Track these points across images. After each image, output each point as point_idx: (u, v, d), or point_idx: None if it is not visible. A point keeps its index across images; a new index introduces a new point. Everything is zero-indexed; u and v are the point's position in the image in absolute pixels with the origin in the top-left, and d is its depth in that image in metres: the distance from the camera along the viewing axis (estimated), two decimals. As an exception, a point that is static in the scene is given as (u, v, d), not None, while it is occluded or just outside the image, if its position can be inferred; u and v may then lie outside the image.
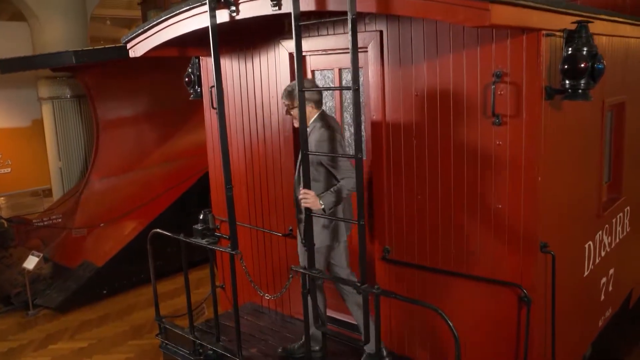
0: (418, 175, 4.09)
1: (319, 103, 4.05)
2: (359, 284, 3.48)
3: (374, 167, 4.33)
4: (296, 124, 3.96)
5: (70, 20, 11.95)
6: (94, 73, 9.58)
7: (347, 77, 4.58)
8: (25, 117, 13.58)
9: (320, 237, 3.97)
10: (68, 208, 9.98)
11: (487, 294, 3.86)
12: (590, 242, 4.56)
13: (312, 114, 4.04)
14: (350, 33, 3.13)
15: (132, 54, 4.99)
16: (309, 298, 3.80)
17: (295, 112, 3.91)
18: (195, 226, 4.49)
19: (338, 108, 4.66)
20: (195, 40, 5.20)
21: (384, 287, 4.26)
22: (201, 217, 4.50)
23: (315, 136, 3.94)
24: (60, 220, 9.56)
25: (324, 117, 4.04)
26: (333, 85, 4.68)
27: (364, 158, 4.55)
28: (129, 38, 4.93)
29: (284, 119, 4.85)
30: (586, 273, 4.54)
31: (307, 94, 3.86)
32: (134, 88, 10.10)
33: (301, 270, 3.76)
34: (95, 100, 9.88)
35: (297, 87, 3.55)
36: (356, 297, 4.02)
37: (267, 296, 4.22)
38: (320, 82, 4.77)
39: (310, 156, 3.74)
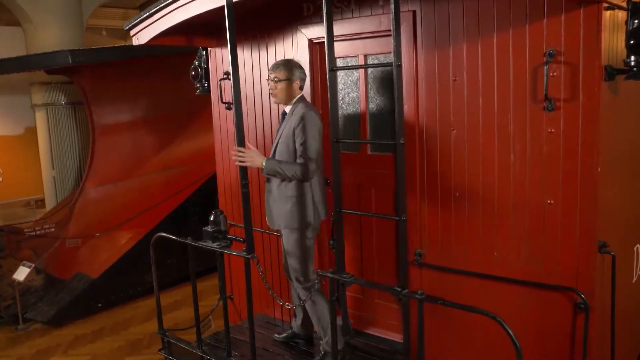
0: (456, 170, 3.69)
1: (304, 83, 3.97)
2: (399, 289, 3.06)
3: (408, 160, 3.91)
4: (275, 101, 3.98)
5: (65, 25, 11.56)
6: (91, 76, 9.18)
7: (376, 60, 4.19)
8: (17, 124, 13.11)
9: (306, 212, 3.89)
10: (62, 217, 9.51)
11: (536, 299, 3.46)
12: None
13: (296, 93, 3.91)
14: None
15: (135, 41, 4.60)
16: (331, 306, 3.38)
17: (281, 86, 3.84)
18: (206, 228, 4.05)
19: (363, 98, 4.26)
20: (203, 29, 4.84)
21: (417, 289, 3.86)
22: (212, 218, 4.05)
23: (301, 111, 3.81)
24: (53, 229, 9.09)
25: (305, 100, 3.98)
26: (356, 75, 4.29)
27: (392, 153, 4.15)
28: (133, 24, 4.54)
29: (302, 111, 4.45)
30: (634, 278, 4.14)
31: (298, 73, 3.87)
32: (131, 92, 9.69)
33: (329, 275, 3.34)
34: (91, 104, 9.45)
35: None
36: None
37: (288, 305, 3.79)
38: (341, 72, 4.37)
39: (282, 139, 3.79)
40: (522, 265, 3.48)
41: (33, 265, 7.94)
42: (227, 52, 4.85)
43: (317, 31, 4.26)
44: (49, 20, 11.36)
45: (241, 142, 3.66)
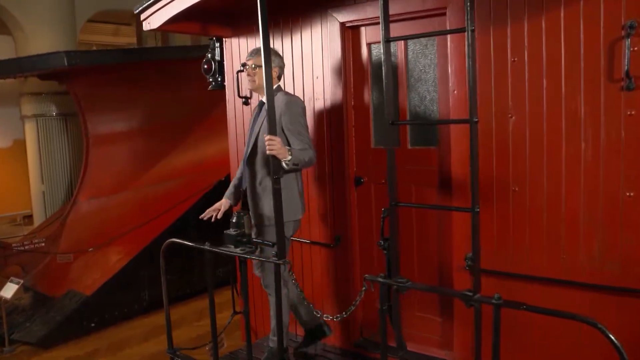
0: (515, 161, 3.28)
1: (282, 72, 3.76)
2: (470, 294, 2.61)
3: (455, 154, 3.51)
4: (252, 87, 3.74)
5: (58, 35, 11.11)
6: (85, 83, 8.74)
7: (415, 49, 3.79)
8: (5, 136, 12.57)
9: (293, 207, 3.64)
10: (52, 231, 8.96)
11: (613, 306, 3.03)
12: None
13: (274, 82, 3.64)
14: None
15: (146, 26, 4.18)
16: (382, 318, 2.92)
17: (261, 73, 3.46)
18: (227, 231, 3.57)
19: (403, 86, 3.85)
20: (218, 18, 4.44)
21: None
22: (234, 220, 3.57)
23: (283, 99, 3.57)
24: (43, 244, 8.53)
25: (282, 89, 3.77)
26: (392, 64, 3.89)
27: (436, 147, 3.75)
28: (144, 6, 4.13)
29: (333, 104, 4.03)
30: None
31: (277, 60, 3.64)
32: (127, 100, 9.24)
33: (380, 280, 2.88)
34: (85, 112, 8.99)
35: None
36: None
37: (327, 317, 3.31)
38: (377, 57, 3.98)
39: (265, 129, 3.41)
40: (596, 268, 3.06)
41: (21, 282, 7.37)
42: (244, 42, 4.50)
43: (351, 14, 3.87)
44: (41, 29, 10.93)
45: (273, 130, 3.23)
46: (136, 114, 9.35)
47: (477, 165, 2.64)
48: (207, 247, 3.72)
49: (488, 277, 3.43)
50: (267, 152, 3.23)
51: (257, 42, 4.45)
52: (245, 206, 3.89)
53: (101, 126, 9.13)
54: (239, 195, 3.95)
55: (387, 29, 2.78)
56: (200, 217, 4.01)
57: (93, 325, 7.56)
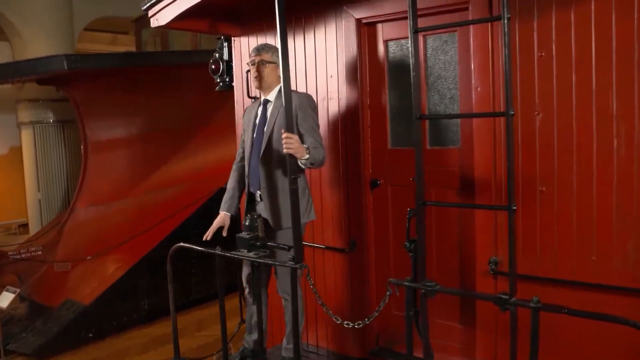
0: (542, 160, 3.15)
1: None
2: (506, 297, 2.46)
3: (479, 154, 3.37)
4: (258, 86, 3.54)
5: (56, 42, 10.97)
6: (84, 88, 8.59)
7: (435, 45, 3.67)
8: (1, 144, 12.38)
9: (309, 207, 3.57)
10: (49, 240, 8.76)
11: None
12: None
13: (278, 80, 3.48)
14: None
15: (154, 23, 4.04)
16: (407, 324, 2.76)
17: (268, 70, 3.48)
18: (240, 234, 3.40)
19: (422, 83, 3.71)
20: (227, 15, 4.31)
21: (490, 305, 3.26)
22: (247, 223, 3.40)
23: (295, 97, 3.36)
24: (40, 253, 8.30)
25: None
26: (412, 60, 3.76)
27: (457, 147, 3.61)
28: (152, 3, 3.99)
29: (348, 103, 3.90)
30: None
31: (274, 56, 3.48)
32: (127, 106, 9.09)
33: (406, 284, 2.73)
34: (84, 118, 8.84)
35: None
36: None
37: (347, 324, 3.14)
38: (395, 54, 3.85)
39: (281, 125, 3.31)
40: (630, 271, 2.92)
41: (17, 291, 7.15)
42: (254, 41, 4.37)
43: (367, 10, 3.74)
44: (39, 36, 10.80)
45: (291, 127, 3.09)
46: (136, 120, 9.20)
47: (514, 160, 2.51)
48: (218, 251, 3.56)
49: (519, 282, 3.29)
50: (285, 150, 3.09)
51: (268, 41, 4.32)
52: (250, 209, 3.68)
53: (100, 132, 8.98)
54: (238, 203, 3.76)
55: (414, 19, 2.65)
56: (204, 239, 3.73)
57: (91, 335, 7.35)
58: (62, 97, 10.68)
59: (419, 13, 3.50)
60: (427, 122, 3.71)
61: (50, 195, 11.06)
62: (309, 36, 4.08)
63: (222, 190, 9.08)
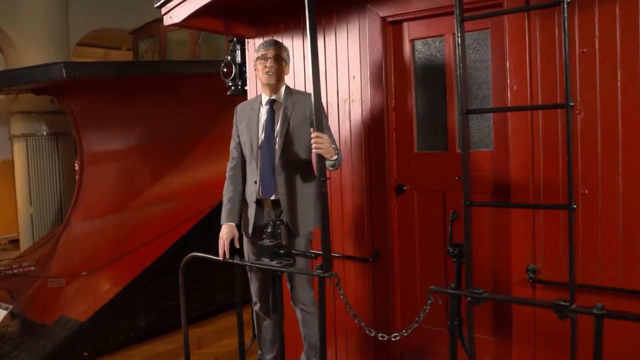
0: (585, 161, 2.98)
1: None
2: (566, 304, 2.27)
3: (515, 156, 3.20)
4: (270, 81, 3.28)
5: (50, 52, 10.73)
6: (82, 98, 8.36)
7: (467, 40, 3.50)
8: (-7, 157, 12.09)
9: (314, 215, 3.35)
10: (43, 254, 8.45)
11: None
12: None
13: (284, 81, 3.37)
14: None
15: (167, 20, 3.86)
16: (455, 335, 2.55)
17: (281, 67, 3.30)
18: (262, 242, 3.18)
19: (451, 84, 3.56)
20: (241, 16, 4.15)
21: (528, 317, 3.08)
22: (269, 230, 3.19)
23: (306, 98, 3.27)
24: (33, 268, 8.03)
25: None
26: (458, 51, 3.62)
27: (490, 149, 3.44)
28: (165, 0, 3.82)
29: (372, 106, 3.73)
30: None
31: (286, 54, 3.35)
32: (125, 117, 8.87)
33: (451, 291, 2.53)
34: (80, 129, 8.60)
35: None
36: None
37: (382, 336, 2.92)
38: (421, 54, 3.70)
39: (296, 129, 3.25)
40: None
41: (9, 307, 6.87)
42: (269, 43, 4.19)
43: (393, 8, 3.59)
44: (33, 47, 10.57)
45: (320, 126, 2.91)
46: (134, 132, 8.98)
47: (572, 156, 2.34)
48: (237, 260, 3.34)
49: (554, 290, 3.10)
50: (315, 151, 2.90)
51: (285, 42, 4.15)
52: (259, 216, 3.44)
53: (97, 144, 8.74)
54: (240, 212, 3.49)
55: (461, 7, 2.49)
56: (223, 261, 3.45)
57: (86, 354, 7.00)
58: (57, 109, 10.48)
59: (446, 11, 3.40)
60: (456, 124, 3.55)
61: (43, 210, 10.74)
62: (330, 36, 3.92)
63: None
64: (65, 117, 10.76)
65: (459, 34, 2.50)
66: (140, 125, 8.94)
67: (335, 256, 3.92)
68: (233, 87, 4.56)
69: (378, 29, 3.66)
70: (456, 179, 2.98)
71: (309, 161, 3.39)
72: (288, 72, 3.41)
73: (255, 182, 3.33)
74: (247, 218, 3.44)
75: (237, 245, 3.51)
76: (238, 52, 4.50)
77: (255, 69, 3.40)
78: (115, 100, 8.49)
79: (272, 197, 3.33)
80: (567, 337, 2.32)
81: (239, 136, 3.43)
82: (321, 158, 2.93)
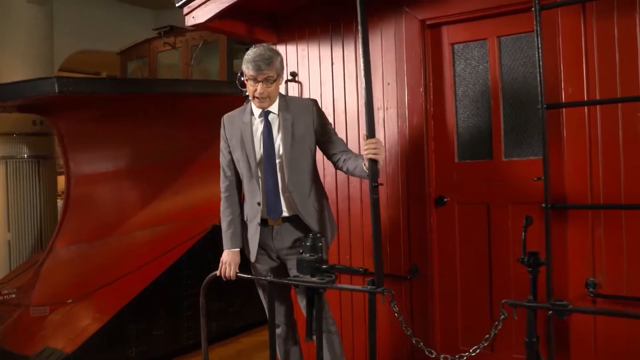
0: (652, 164, 2.82)
1: None
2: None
3: (571, 163, 3.02)
4: (264, 106, 2.97)
5: (34, 71, 10.38)
6: (71, 117, 8.00)
7: (511, 46, 3.35)
8: (-31, 180, 11.50)
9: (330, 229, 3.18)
10: (24, 281, 7.94)
11: None
12: None
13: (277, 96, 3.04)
14: None
15: (190, 21, 3.64)
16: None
17: (275, 86, 2.94)
18: (302, 256, 2.90)
19: (496, 91, 3.38)
20: (264, 20, 3.96)
21: (587, 332, 2.85)
22: (308, 244, 2.90)
23: (307, 102, 3.11)
24: (13, 296, 7.52)
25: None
26: (537, 40, 3.45)
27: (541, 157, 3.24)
28: None
29: (409, 113, 3.53)
30: None
31: (279, 67, 2.94)
32: (115, 138, 8.51)
33: (528, 305, 2.29)
34: (68, 150, 8.20)
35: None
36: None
37: (445, 357, 2.65)
38: (462, 59, 3.52)
39: (300, 140, 2.99)
40: None
41: (-11, 338, 6.38)
42: (292, 49, 4.01)
43: (432, 10, 3.43)
44: (16, 64, 10.22)
45: (372, 132, 2.69)
46: (124, 153, 8.62)
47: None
48: (270, 277, 3.04)
49: (617, 305, 2.90)
50: (372, 157, 2.66)
51: (310, 50, 3.96)
52: (266, 237, 3.15)
53: (85, 165, 8.34)
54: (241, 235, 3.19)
55: None
56: (258, 279, 3.16)
57: (73, 388, 6.57)
58: (39, 131, 10.09)
59: (490, 12, 3.24)
60: (501, 131, 3.36)
61: (21, 236, 10.23)
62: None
63: (216, 227, 8.49)
64: (47, 139, 10.37)
65: (538, 25, 2.33)
66: (131, 146, 8.59)
67: (369, 273, 3.66)
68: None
69: (417, 33, 3.49)
70: (534, 180, 2.75)
71: (317, 173, 3.16)
72: (282, 82, 3.09)
73: (259, 204, 3.02)
74: (249, 240, 3.12)
75: (237, 270, 3.21)
76: (257, 60, 4.27)
77: (245, 81, 3.04)
78: (106, 120, 8.14)
79: (287, 214, 3.04)
80: (628, 352, 2.11)
81: (230, 153, 3.12)
82: (373, 163, 2.70)
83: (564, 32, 3.02)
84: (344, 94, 3.81)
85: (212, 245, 8.01)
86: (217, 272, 3.25)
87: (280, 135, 2.98)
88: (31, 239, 10.31)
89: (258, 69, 2.85)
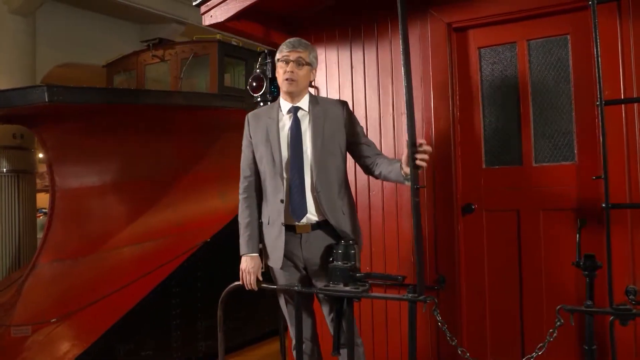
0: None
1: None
2: None
3: (611, 170, 2.94)
4: (291, 89, 2.82)
5: (15, 82, 10.11)
6: (57, 129, 7.73)
7: (540, 49, 3.29)
8: (-55, 195, 11.05)
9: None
10: (4, 300, 7.58)
11: None
12: None
13: (307, 88, 2.95)
14: None
15: (208, 20, 3.51)
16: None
17: (304, 72, 2.83)
18: (335, 264, 2.74)
19: (526, 97, 3.30)
20: (282, 24, 3.86)
21: (628, 347, 2.75)
22: (341, 251, 2.75)
23: (338, 103, 2.97)
24: (-6, 315, 7.15)
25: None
26: (594, 35, 3.38)
27: (574, 162, 3.17)
28: (206, -3, 3.47)
29: (436, 120, 3.43)
30: None
31: (312, 56, 2.87)
32: (102, 152, 8.24)
33: (587, 310, 2.17)
34: (54, 163, 7.90)
35: None
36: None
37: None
38: (487, 65, 3.45)
39: (330, 139, 2.85)
40: None
41: (-32, 360, 6.02)
42: (308, 54, 3.88)
43: (459, 13, 3.36)
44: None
45: (413, 138, 2.57)
46: (111, 167, 8.34)
47: None
48: (297, 288, 2.87)
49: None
50: (420, 163, 2.53)
51: (330, 54, 3.86)
52: (293, 244, 2.94)
53: (71, 179, 8.04)
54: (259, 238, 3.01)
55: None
56: (289, 289, 2.92)
57: (58, 413, 6.22)
58: (19, 145, 9.78)
59: (520, 15, 3.19)
60: (531, 136, 3.28)
61: (0, 253, 9.86)
62: (384, 44, 3.64)
63: (207, 244, 8.26)
64: (27, 154, 10.07)
65: (595, 20, 2.25)
66: (119, 160, 8.33)
67: (392, 285, 3.51)
68: (262, 103, 4.17)
69: (443, 37, 3.41)
70: (593, 179, 2.66)
71: (346, 178, 3.00)
72: (314, 77, 2.99)
73: (282, 201, 2.84)
74: (272, 245, 2.91)
75: (260, 278, 3.02)
76: (269, 65, 4.15)
77: (276, 74, 2.94)
78: (94, 132, 7.89)
79: (308, 220, 2.85)
80: None
81: (252, 152, 2.96)
82: (416, 168, 2.57)
83: (599, 33, 2.96)
84: (364, 99, 3.70)
85: (202, 262, 7.78)
86: (240, 282, 3.06)
87: (309, 132, 2.84)
88: (9, 255, 9.92)
89: (292, 46, 2.80)
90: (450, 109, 3.40)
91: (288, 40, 2.83)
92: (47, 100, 6.46)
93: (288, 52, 2.80)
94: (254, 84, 4.18)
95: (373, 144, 2.98)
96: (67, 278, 7.64)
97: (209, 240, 7.61)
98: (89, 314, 7.18)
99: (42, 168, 11.49)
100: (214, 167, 8.89)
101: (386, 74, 3.61)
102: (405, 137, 3.40)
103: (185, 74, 9.56)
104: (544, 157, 3.26)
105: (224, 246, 7.57)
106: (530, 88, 3.29)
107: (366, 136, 3.00)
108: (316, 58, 2.90)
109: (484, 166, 3.42)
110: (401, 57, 2.52)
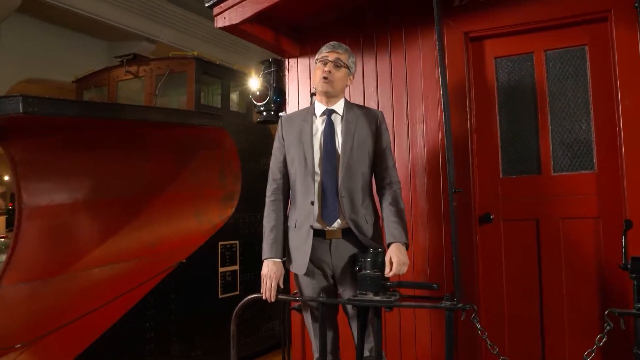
0: None
1: None
2: None
3: (631, 176, 2.97)
4: (327, 89, 2.76)
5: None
6: (26, 144, 7.39)
7: (558, 59, 3.31)
8: None
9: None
10: (-35, 324, 7.07)
11: None
12: None
13: (344, 92, 2.90)
14: None
15: (221, 22, 3.40)
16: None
17: (342, 74, 2.79)
18: (365, 272, 2.63)
19: (544, 107, 3.30)
20: (290, 31, 3.80)
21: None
22: (370, 259, 2.64)
23: (370, 112, 2.89)
24: (-47, 340, 6.66)
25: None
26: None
27: (593, 171, 3.18)
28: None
29: (454, 130, 3.38)
30: None
31: (350, 60, 2.85)
32: (73, 168, 7.90)
33: (637, 313, 2.13)
34: (21, 179, 7.53)
35: None
36: None
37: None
38: (504, 75, 3.45)
39: (359, 145, 2.78)
40: None
41: None
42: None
43: (477, 22, 3.37)
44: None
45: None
46: (82, 185, 7.99)
47: None
48: (322, 298, 2.74)
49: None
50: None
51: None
52: (322, 250, 2.86)
53: (39, 197, 7.66)
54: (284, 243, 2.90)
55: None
56: (269, 300, 2.80)
57: None
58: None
59: (538, 26, 3.21)
60: (550, 145, 3.28)
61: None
62: (397, 53, 3.61)
63: (182, 265, 8.02)
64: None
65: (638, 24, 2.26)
66: (91, 177, 7.99)
67: (406, 296, 3.41)
68: (265, 113, 4.07)
69: (460, 46, 3.40)
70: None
71: (371, 187, 2.90)
72: (351, 82, 2.93)
73: (312, 203, 2.74)
74: (298, 249, 2.79)
75: (281, 286, 2.88)
76: (273, 74, 4.06)
77: (313, 75, 2.94)
78: (64, 150, 7.55)
79: (339, 225, 2.76)
80: None
81: (283, 154, 2.87)
82: (450, 166, 2.51)
83: (619, 45, 3.01)
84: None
85: (177, 284, 7.51)
86: (256, 295, 2.90)
87: (340, 136, 2.75)
88: (-36, 279, 9.29)
89: (332, 47, 2.79)
90: (468, 118, 3.38)
91: (328, 43, 2.82)
92: (21, 111, 6.14)
93: (327, 52, 2.78)
94: (258, 93, 4.07)
95: (394, 168, 2.86)
96: (34, 301, 7.23)
97: (184, 261, 7.35)
98: (57, 339, 6.78)
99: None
100: (190, 186, 8.66)
101: (400, 83, 3.57)
102: (424, 144, 3.36)
103: (159, 91, 9.35)
104: (563, 166, 3.26)
105: (199, 267, 7.35)
106: (548, 97, 3.30)
107: (391, 158, 2.88)
108: (355, 64, 2.87)
109: (501, 175, 3.39)
110: (440, 86, 2.46)
